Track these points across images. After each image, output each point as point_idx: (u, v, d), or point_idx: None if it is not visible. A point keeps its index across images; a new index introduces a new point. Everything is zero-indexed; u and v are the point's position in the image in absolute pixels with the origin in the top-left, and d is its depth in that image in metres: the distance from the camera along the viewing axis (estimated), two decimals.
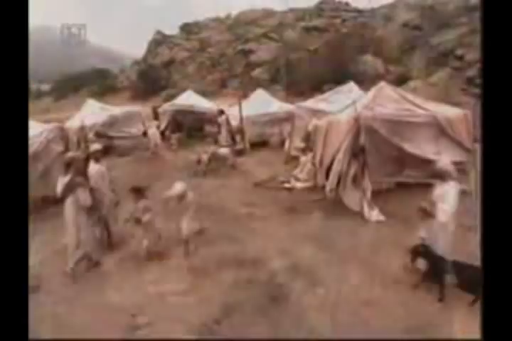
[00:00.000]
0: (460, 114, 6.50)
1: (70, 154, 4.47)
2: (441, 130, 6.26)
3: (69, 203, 4.13)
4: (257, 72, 28.92)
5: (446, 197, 3.55)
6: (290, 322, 3.26)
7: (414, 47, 22.10)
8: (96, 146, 4.96)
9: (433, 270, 3.66)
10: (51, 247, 4.92)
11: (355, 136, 5.73)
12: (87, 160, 4.71)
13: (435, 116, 6.22)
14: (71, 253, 4.20)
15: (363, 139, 5.64)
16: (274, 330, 3.16)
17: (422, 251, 3.78)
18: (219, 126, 11.22)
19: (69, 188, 4.06)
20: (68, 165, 4.15)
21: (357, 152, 5.71)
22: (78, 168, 4.21)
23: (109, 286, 3.94)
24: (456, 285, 3.51)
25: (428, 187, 6.56)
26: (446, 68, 16.77)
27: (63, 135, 6.28)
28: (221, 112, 11.32)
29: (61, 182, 4.08)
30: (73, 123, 10.14)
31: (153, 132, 11.02)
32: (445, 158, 4.01)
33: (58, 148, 6.03)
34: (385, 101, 6.55)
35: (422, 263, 3.80)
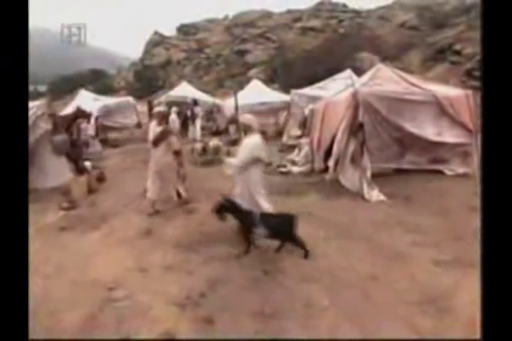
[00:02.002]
0: (461, 94, 6.29)
1: (160, 109, 5.28)
2: (441, 109, 6.03)
3: (162, 148, 4.88)
4: (253, 72, 28.86)
5: (241, 149, 3.81)
6: (284, 295, 2.98)
7: (411, 46, 22.10)
8: (159, 108, 5.54)
9: (242, 224, 3.57)
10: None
11: (353, 113, 5.49)
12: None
13: (435, 95, 6.00)
14: (159, 188, 4.94)
15: (361, 116, 5.40)
16: (266, 303, 2.87)
17: (227, 205, 3.60)
18: (193, 117, 10.86)
19: (163, 136, 4.85)
20: (163, 118, 5.01)
21: (355, 130, 5.47)
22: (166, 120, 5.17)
23: (90, 261, 3.66)
24: (268, 236, 3.53)
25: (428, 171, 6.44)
26: (445, 63, 16.68)
27: (51, 112, 6.02)
28: (195, 103, 10.96)
29: (154, 131, 4.88)
30: (66, 112, 9.89)
31: (173, 119, 10.68)
32: (247, 114, 4.46)
33: (46, 126, 5.75)
34: (383, 81, 6.34)
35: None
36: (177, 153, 5.03)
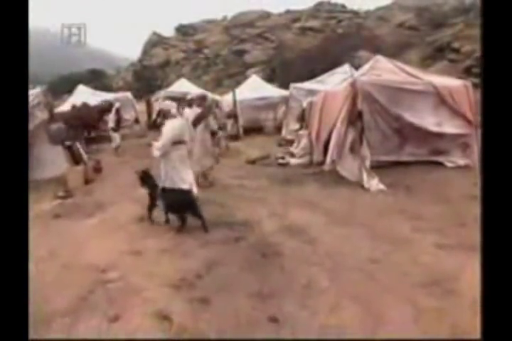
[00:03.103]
0: (460, 85, 6.25)
1: (200, 92, 5.95)
2: (441, 99, 5.98)
3: (201, 128, 5.25)
4: (252, 72, 28.80)
5: (163, 132, 4.02)
6: (282, 276, 2.91)
7: (410, 45, 22.14)
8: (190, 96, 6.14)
9: (149, 196, 3.83)
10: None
11: (352, 102, 5.42)
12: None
13: (434, 85, 5.96)
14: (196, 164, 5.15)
15: (360, 104, 5.34)
16: (264, 284, 2.80)
17: (142, 176, 3.91)
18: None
19: (203, 116, 5.23)
20: (203, 100, 5.39)
21: (354, 119, 5.41)
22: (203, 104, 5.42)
23: (84, 245, 3.58)
24: (165, 210, 3.76)
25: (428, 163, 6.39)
26: (444, 61, 16.70)
27: (47, 101, 5.95)
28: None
29: (192, 113, 5.19)
30: (64, 107, 9.87)
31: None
32: (166, 100, 5.16)
33: (42, 115, 5.69)
34: (382, 72, 6.31)
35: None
36: (213, 134, 5.46)
